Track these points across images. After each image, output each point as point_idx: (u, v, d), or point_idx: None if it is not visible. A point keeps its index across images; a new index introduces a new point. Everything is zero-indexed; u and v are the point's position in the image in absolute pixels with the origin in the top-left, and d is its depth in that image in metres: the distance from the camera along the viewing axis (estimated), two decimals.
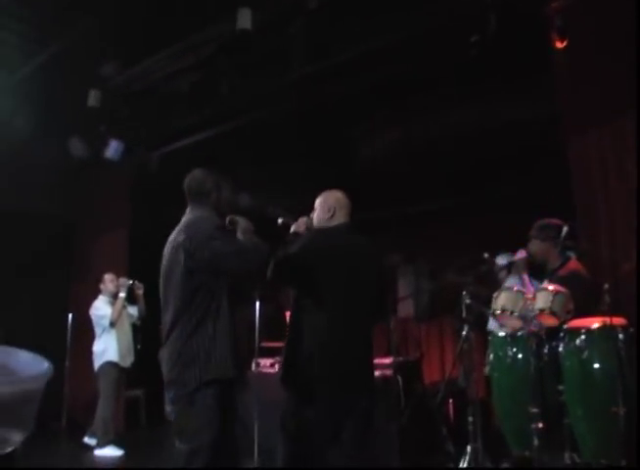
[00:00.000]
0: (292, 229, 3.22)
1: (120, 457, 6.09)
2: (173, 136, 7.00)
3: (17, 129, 6.81)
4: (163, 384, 2.91)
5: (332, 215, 3.22)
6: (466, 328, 4.16)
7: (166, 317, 2.93)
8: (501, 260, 4.83)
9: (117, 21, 5.40)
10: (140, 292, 6.65)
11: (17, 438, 1.15)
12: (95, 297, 6.95)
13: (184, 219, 3.08)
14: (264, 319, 6.20)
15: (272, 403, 5.72)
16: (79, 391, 7.77)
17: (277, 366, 6.19)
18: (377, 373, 5.31)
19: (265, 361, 6.35)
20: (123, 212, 7.87)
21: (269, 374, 6.16)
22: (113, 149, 7.18)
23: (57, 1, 5.29)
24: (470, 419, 4.13)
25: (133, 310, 6.74)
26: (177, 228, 3.04)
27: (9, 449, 1.14)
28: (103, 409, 6.29)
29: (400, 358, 5.30)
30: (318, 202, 3.32)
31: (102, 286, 6.71)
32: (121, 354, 6.41)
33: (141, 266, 7.60)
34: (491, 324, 4.90)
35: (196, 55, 5.75)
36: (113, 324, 6.41)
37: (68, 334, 7.68)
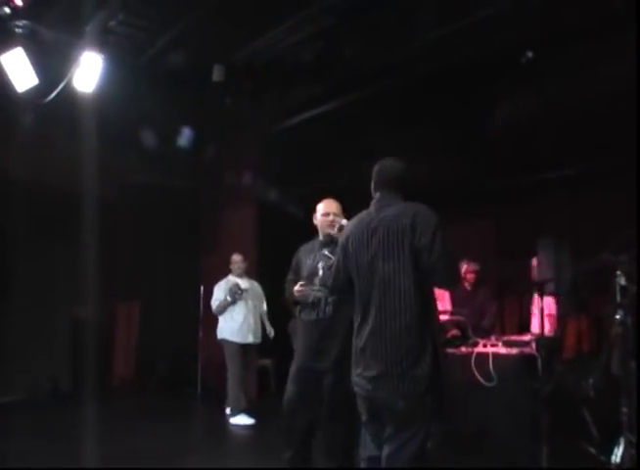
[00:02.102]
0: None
1: (252, 425, 6.31)
2: (299, 107, 6.92)
3: (145, 106, 7.03)
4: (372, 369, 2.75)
5: None
6: (621, 312, 3.81)
7: (374, 301, 2.77)
8: None
9: None
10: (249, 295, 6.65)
11: None
12: (223, 270, 7.10)
13: (382, 205, 2.92)
14: None
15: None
16: (213, 359, 8.09)
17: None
18: (515, 351, 5.09)
19: None
20: (251, 185, 7.93)
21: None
22: (185, 137, 7.38)
23: None
24: (624, 410, 3.81)
25: (253, 286, 6.80)
26: (382, 213, 2.87)
27: None
28: (230, 381, 6.51)
29: (540, 336, 4.99)
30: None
31: (230, 266, 6.81)
32: (236, 333, 6.52)
33: (270, 239, 7.75)
34: None
35: (318, 24, 5.59)
36: (220, 313, 6.59)
37: (201, 305, 7.99)
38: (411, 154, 6.86)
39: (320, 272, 3.83)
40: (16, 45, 5.18)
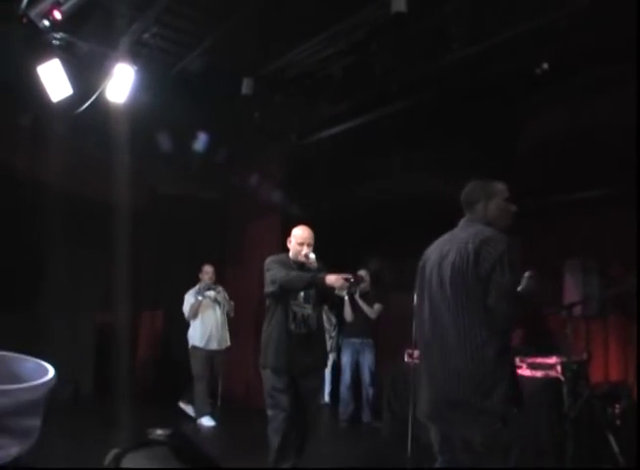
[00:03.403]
0: None
1: (213, 427, 6.90)
2: (326, 122, 6.96)
3: (175, 118, 7.13)
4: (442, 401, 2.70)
5: None
6: None
7: (440, 324, 2.73)
8: None
9: (269, 9, 5.37)
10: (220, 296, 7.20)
11: (13, 450, 1.10)
12: (246, 281, 7.18)
13: (461, 227, 2.91)
14: None
15: None
16: (234, 369, 8.11)
17: None
18: (539, 374, 5.03)
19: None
20: (276, 198, 7.96)
21: None
22: (202, 141, 7.54)
23: None
24: None
25: (221, 295, 7.26)
26: (457, 236, 2.85)
27: (8, 460, 1.09)
28: (197, 387, 7.04)
29: (566, 358, 4.93)
30: None
31: (200, 275, 7.23)
32: (205, 340, 7.03)
33: None
34: None
35: (348, 40, 5.62)
36: (190, 318, 7.05)
37: None
38: (439, 172, 6.92)
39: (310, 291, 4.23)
40: (52, 56, 5.29)
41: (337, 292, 4.18)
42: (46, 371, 1.23)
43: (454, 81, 5.59)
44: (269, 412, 4.12)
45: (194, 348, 7.08)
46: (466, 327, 2.59)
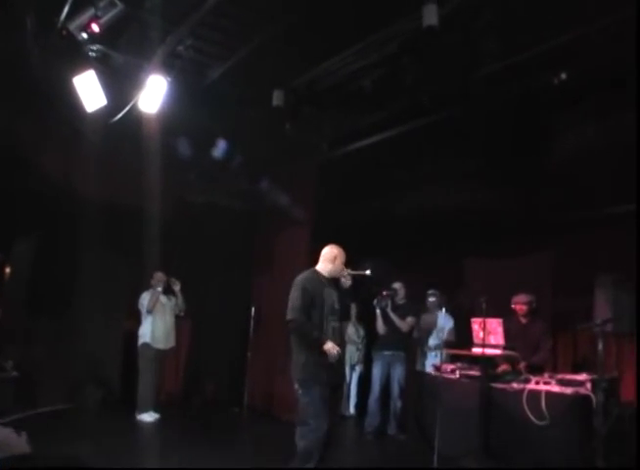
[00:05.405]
0: None
1: (155, 421, 7.20)
2: (357, 134, 6.99)
3: (206, 128, 7.24)
4: None
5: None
6: None
7: None
8: None
9: (300, 21, 5.43)
10: (176, 288, 7.63)
11: None
12: (275, 291, 7.23)
13: None
14: None
15: (453, 409, 5.65)
16: (259, 379, 8.14)
17: (458, 372, 6.01)
18: (569, 391, 4.96)
19: (446, 366, 6.19)
20: (306, 209, 8.00)
21: (450, 380, 6.00)
22: (221, 148, 7.62)
23: (245, 7, 5.44)
24: None
25: (172, 302, 7.66)
26: None
27: None
28: (140, 382, 7.30)
29: (597, 376, 4.86)
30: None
31: (152, 281, 7.55)
32: (157, 338, 7.39)
33: None
34: None
35: (379, 52, 5.65)
36: (149, 311, 7.39)
37: (251, 326, 8.09)
38: (470, 184, 6.90)
39: (336, 306, 4.56)
40: (88, 68, 5.39)
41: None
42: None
43: (484, 95, 5.58)
44: (311, 422, 4.26)
45: (144, 345, 7.38)
46: None
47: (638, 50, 3.85)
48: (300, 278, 4.54)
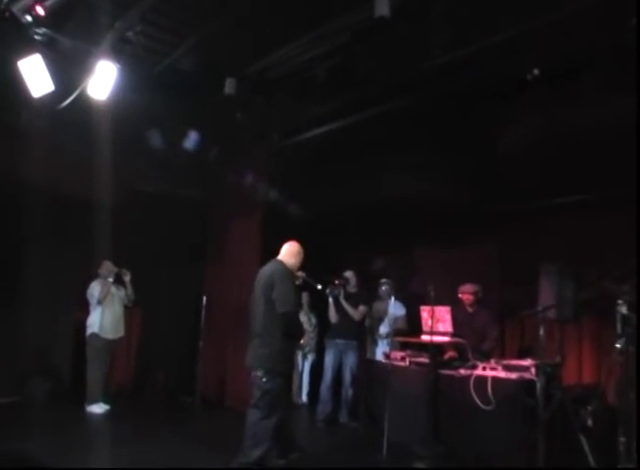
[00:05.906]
0: None
1: (105, 412, 7.15)
2: (308, 123, 7.00)
3: (157, 116, 7.13)
4: None
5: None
6: (622, 341, 3.82)
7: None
8: None
9: (253, 9, 5.39)
10: (126, 278, 7.60)
11: None
12: (228, 280, 7.20)
13: None
14: None
15: (403, 396, 5.75)
16: (212, 369, 8.10)
17: (407, 360, 6.11)
18: (514, 376, 5.10)
19: (396, 354, 6.29)
20: (257, 198, 7.96)
21: (400, 367, 6.10)
22: (191, 140, 7.61)
23: None
24: (621, 440, 3.82)
25: (121, 293, 7.66)
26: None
27: None
28: (89, 373, 7.25)
29: (540, 361, 5.00)
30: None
31: (99, 271, 7.53)
32: (105, 328, 7.36)
33: (274, 252, 7.77)
34: None
35: (332, 42, 5.66)
36: (99, 302, 7.35)
37: (203, 316, 8.04)
38: (418, 175, 6.99)
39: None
40: (34, 52, 5.24)
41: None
42: None
43: (435, 86, 5.66)
44: (267, 409, 4.39)
45: (92, 335, 7.32)
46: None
47: (638, 50, 3.92)
48: (283, 269, 4.70)
